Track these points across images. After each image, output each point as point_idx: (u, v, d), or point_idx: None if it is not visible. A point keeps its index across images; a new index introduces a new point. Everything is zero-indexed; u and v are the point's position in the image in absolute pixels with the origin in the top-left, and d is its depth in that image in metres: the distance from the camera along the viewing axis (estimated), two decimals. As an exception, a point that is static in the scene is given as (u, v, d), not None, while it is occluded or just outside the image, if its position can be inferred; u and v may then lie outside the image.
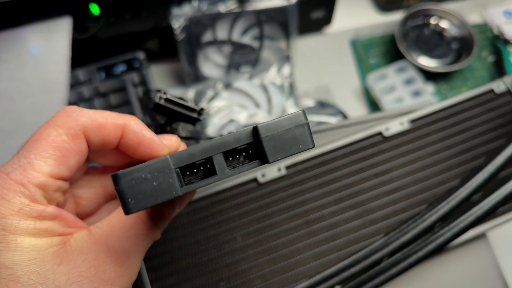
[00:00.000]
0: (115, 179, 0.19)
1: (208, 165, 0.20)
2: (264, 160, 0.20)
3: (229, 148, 0.20)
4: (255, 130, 0.20)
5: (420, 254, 0.26)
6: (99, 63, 0.55)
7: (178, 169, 0.19)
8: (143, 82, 0.55)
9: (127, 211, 0.19)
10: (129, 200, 0.19)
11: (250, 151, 0.21)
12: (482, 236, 0.36)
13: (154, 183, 0.19)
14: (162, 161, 0.19)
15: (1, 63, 0.49)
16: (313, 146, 0.20)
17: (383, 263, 0.28)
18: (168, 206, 0.25)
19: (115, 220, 0.23)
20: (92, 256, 0.22)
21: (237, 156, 0.21)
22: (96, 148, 0.24)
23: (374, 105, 0.58)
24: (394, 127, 0.39)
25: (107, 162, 0.27)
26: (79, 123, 0.22)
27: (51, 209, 0.22)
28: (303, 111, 0.20)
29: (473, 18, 0.65)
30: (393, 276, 0.28)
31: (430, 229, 0.27)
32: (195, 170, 0.20)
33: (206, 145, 0.20)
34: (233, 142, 0.20)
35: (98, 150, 0.24)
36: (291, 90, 0.56)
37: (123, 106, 0.54)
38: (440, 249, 0.27)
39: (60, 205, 0.23)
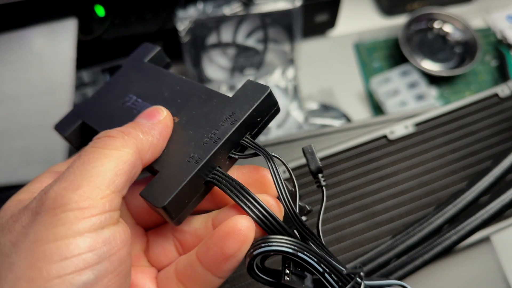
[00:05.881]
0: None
1: None
2: None
3: None
4: None
5: (426, 257, 0.26)
6: (104, 65, 0.55)
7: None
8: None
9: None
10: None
11: None
12: (486, 239, 0.36)
13: None
14: None
15: (6, 64, 0.49)
16: None
17: (389, 266, 0.28)
18: None
19: None
20: None
21: None
22: None
23: (377, 108, 0.58)
24: (399, 130, 0.39)
25: None
26: None
27: None
28: None
29: (477, 22, 0.65)
30: (398, 279, 0.28)
31: (436, 232, 0.27)
32: None
33: None
34: None
35: None
36: (295, 93, 0.56)
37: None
38: (446, 252, 0.27)
39: None
